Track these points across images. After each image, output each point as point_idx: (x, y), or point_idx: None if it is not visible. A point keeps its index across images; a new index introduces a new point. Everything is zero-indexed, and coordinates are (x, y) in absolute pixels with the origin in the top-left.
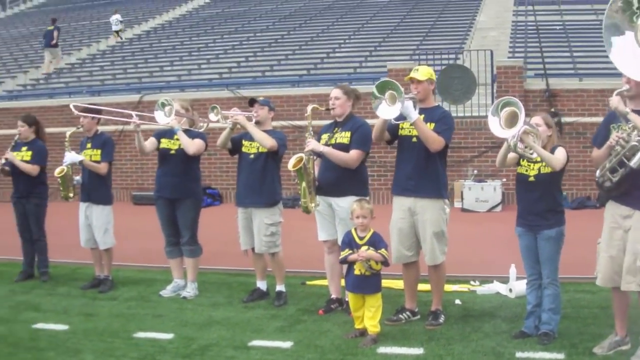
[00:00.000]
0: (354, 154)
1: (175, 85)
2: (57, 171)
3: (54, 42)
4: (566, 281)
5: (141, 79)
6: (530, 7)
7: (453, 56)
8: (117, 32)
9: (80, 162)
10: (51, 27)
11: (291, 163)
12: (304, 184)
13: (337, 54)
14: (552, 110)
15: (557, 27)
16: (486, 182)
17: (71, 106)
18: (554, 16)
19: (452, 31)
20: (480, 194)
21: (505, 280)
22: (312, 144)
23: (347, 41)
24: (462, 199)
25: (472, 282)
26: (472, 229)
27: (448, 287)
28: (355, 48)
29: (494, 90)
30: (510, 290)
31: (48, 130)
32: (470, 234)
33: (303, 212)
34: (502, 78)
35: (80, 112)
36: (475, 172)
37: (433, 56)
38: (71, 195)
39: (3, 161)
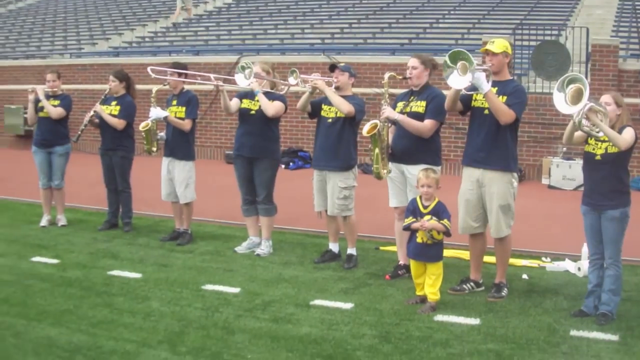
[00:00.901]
0: (428, 123)
1: (276, 49)
2: (142, 125)
3: None
4: (638, 264)
5: (244, 40)
6: None
7: (555, 32)
8: None
9: (165, 118)
10: None
11: (366, 129)
12: (377, 150)
13: (441, 25)
14: None
15: None
16: (574, 160)
17: (149, 70)
18: None
19: (558, 7)
20: (568, 172)
21: (577, 258)
22: (387, 111)
23: (451, 12)
24: (549, 176)
25: (543, 259)
26: (556, 207)
27: (517, 262)
28: (459, 19)
29: (588, 69)
30: (579, 269)
31: (146, 87)
32: (552, 211)
33: (374, 177)
34: (596, 56)
35: (157, 74)
36: (565, 149)
37: (529, 31)
38: (154, 149)
39: (92, 113)
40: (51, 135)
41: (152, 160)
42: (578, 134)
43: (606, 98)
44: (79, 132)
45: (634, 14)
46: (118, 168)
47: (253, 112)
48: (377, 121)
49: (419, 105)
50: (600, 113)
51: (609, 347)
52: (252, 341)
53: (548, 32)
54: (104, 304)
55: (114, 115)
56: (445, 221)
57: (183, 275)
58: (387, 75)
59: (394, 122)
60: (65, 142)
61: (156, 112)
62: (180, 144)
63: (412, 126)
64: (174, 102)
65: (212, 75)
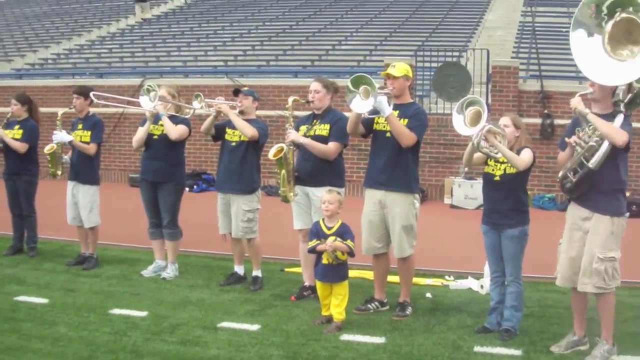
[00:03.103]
0: (332, 146)
1: (179, 71)
2: (46, 148)
3: None
4: (540, 280)
5: (147, 63)
6: (539, 8)
7: (456, 54)
8: None
9: (70, 142)
10: None
11: (272, 152)
12: (283, 173)
13: (343, 47)
14: (545, 112)
15: (564, 30)
16: (476, 180)
17: (91, 95)
18: (563, 19)
19: (459, 29)
20: (470, 191)
21: (480, 276)
22: (292, 134)
23: (354, 34)
24: (451, 195)
25: (446, 277)
26: (458, 226)
27: (421, 281)
28: (362, 41)
29: (489, 90)
30: (482, 286)
31: (49, 110)
32: (455, 231)
33: (282, 200)
34: (497, 78)
35: (97, 99)
36: (466, 169)
37: (430, 53)
38: (59, 172)
39: None
40: None
41: (57, 185)
42: (477, 155)
43: (505, 120)
44: None
45: (534, 35)
46: (23, 192)
47: (156, 136)
48: (283, 145)
49: (322, 129)
50: (498, 135)
51: None
52: None
53: (449, 54)
54: (12, 330)
55: (16, 139)
56: (348, 242)
57: (90, 299)
58: (290, 100)
59: (298, 146)
60: None
61: (61, 136)
62: (84, 168)
63: (317, 149)
64: (80, 126)
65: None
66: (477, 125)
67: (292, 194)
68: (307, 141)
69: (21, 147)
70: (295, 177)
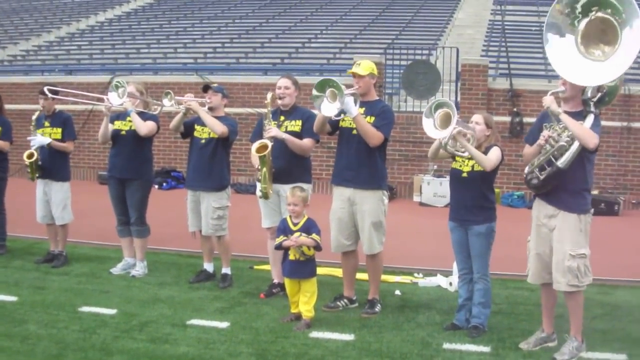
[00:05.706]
0: (309, 142)
1: (149, 68)
2: (26, 155)
3: None
4: (508, 277)
5: (117, 60)
6: (509, 7)
7: (426, 52)
8: None
9: (48, 145)
10: None
11: (254, 148)
12: (265, 170)
13: (313, 45)
14: (514, 110)
15: (533, 29)
16: (445, 177)
17: (45, 90)
18: (532, 17)
19: (429, 27)
20: (439, 189)
21: (449, 274)
22: (274, 131)
23: (323, 32)
24: (420, 193)
25: (415, 275)
26: (427, 223)
27: (390, 278)
28: (331, 39)
29: (458, 88)
30: (451, 284)
31: (19, 107)
32: (424, 228)
33: (261, 197)
34: (466, 76)
35: (53, 94)
36: (435, 167)
37: (400, 51)
38: (37, 175)
39: None
40: None
41: (23, 182)
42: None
43: (477, 118)
44: None
45: (504, 34)
46: None
47: (123, 132)
48: (266, 141)
49: (294, 125)
50: (468, 134)
51: (481, 358)
52: None
53: (419, 52)
54: None
55: None
56: (314, 235)
57: (59, 297)
58: (269, 95)
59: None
60: None
61: (39, 140)
62: (57, 165)
63: (297, 145)
64: (47, 124)
65: (105, 97)
66: (448, 127)
67: (271, 190)
68: (288, 137)
69: (4, 145)
70: (272, 174)
